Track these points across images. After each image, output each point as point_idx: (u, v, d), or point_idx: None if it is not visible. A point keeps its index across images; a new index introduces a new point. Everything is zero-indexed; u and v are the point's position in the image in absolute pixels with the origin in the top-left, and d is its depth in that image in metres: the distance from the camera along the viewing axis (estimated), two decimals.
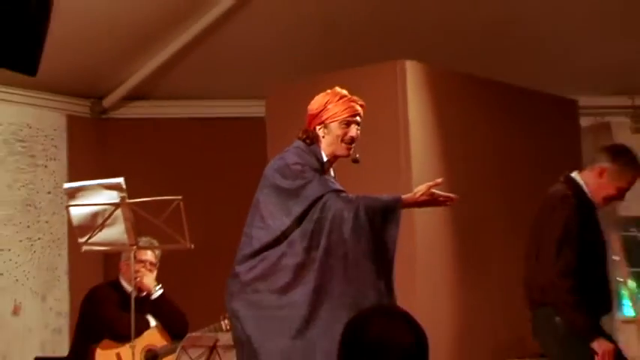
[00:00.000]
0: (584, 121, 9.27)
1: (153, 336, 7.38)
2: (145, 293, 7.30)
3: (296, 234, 5.42)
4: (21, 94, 8.63)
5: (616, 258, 8.97)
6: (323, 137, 5.55)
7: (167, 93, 9.13)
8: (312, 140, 5.57)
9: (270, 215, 5.49)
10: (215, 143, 9.03)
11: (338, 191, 5.47)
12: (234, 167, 8.80)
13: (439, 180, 5.48)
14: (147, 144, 9.02)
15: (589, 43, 8.64)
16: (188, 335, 7.49)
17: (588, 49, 8.71)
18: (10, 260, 8.51)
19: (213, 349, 7.49)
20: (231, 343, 7.57)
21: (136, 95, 9.15)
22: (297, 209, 5.40)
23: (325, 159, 5.58)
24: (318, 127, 5.56)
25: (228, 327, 7.42)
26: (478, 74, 8.10)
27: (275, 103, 8.17)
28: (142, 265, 7.26)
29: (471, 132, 7.90)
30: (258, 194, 5.61)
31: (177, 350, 7.40)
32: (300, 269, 5.37)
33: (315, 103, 5.62)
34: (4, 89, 8.47)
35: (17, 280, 8.54)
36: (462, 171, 7.37)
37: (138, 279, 7.21)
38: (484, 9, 8.21)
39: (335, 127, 5.53)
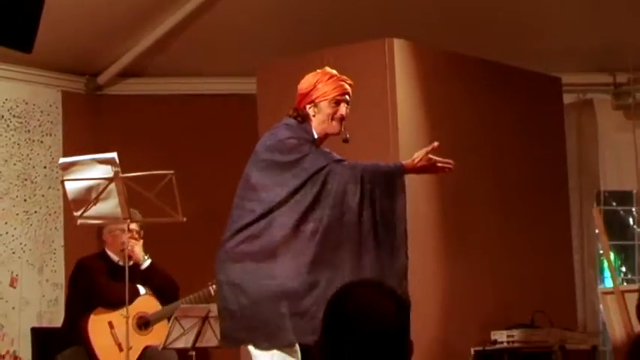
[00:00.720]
0: (568, 98, 9.18)
1: (144, 303, 7.41)
2: (132, 262, 7.31)
3: (290, 205, 5.43)
4: (17, 71, 8.59)
5: (597, 231, 8.99)
6: (313, 116, 5.59)
7: (161, 70, 9.12)
8: (303, 119, 5.61)
9: (264, 188, 5.52)
10: (207, 119, 9.02)
11: (339, 161, 5.51)
12: (225, 143, 8.80)
13: (435, 144, 5.56)
14: (141, 120, 9.00)
15: (572, 22, 8.61)
16: (181, 306, 7.55)
17: (572, 28, 8.69)
18: (7, 233, 8.53)
19: (205, 319, 7.54)
20: None
21: (130, 72, 9.12)
22: (295, 182, 5.44)
23: (316, 136, 5.60)
24: (308, 106, 5.59)
25: (215, 292, 7.54)
26: (464, 52, 8.09)
27: (265, 79, 8.16)
28: (130, 234, 7.28)
29: (457, 107, 7.90)
30: (248, 169, 5.63)
31: (170, 321, 7.46)
32: (292, 240, 5.40)
33: (305, 83, 5.65)
34: (1, 67, 8.47)
35: (14, 252, 8.56)
36: (448, 146, 7.39)
37: (130, 248, 7.23)
38: None
39: (325, 106, 5.56)
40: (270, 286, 5.36)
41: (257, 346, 5.41)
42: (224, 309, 5.57)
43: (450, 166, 5.60)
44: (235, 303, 5.46)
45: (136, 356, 7.13)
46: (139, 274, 7.46)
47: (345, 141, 5.65)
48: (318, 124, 5.59)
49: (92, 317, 7.30)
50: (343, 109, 5.58)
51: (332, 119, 5.57)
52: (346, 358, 2.77)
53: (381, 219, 5.47)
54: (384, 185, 5.48)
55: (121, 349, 7.15)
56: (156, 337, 7.45)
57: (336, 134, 5.63)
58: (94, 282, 7.37)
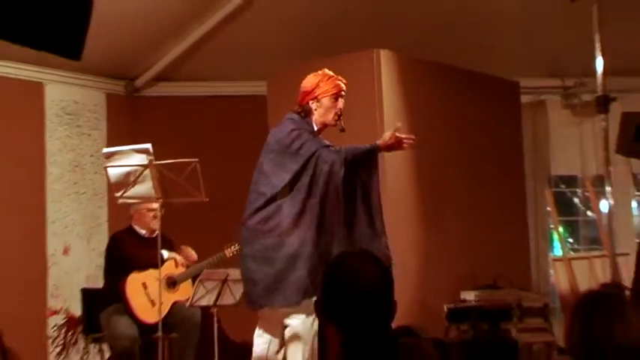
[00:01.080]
0: (524, 99, 9.09)
1: (170, 266, 7.43)
2: (155, 234, 7.34)
3: (296, 186, 5.48)
4: (69, 77, 8.54)
5: (548, 209, 9.01)
6: (315, 110, 5.61)
7: (187, 75, 9.04)
8: (306, 113, 5.63)
9: (274, 174, 5.54)
10: (225, 116, 8.95)
11: (328, 146, 5.54)
12: (240, 136, 8.71)
13: (399, 124, 5.62)
14: (171, 117, 8.96)
15: (529, 36, 8.55)
16: (204, 271, 7.55)
17: (528, 40, 8.62)
18: (61, 211, 8.51)
19: (224, 282, 7.54)
20: (239, 277, 7.66)
21: (162, 77, 9.08)
22: (295, 166, 5.48)
23: (316, 128, 5.63)
24: (311, 102, 5.61)
25: (231, 255, 7.55)
26: (438, 60, 8.07)
27: (274, 83, 8.13)
28: (154, 212, 7.34)
29: (433, 108, 7.82)
30: (262, 158, 5.65)
31: (195, 283, 7.47)
32: (300, 215, 5.43)
33: (308, 82, 5.67)
34: (56, 72, 8.41)
35: (67, 227, 8.54)
36: (427, 141, 7.34)
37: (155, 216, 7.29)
38: (440, 3, 8.18)
39: (326, 101, 5.60)
40: (288, 254, 5.39)
41: (283, 306, 5.45)
42: (248, 278, 5.59)
43: (412, 141, 5.59)
44: (258, 272, 5.47)
45: (166, 310, 7.13)
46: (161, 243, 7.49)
47: (342, 130, 5.68)
48: (319, 117, 5.62)
49: (129, 280, 7.30)
50: (341, 103, 5.64)
51: (331, 112, 5.61)
52: (340, 316, 2.78)
53: (361, 191, 5.50)
54: (362, 163, 5.50)
55: (153, 305, 7.16)
56: (182, 294, 7.42)
57: (333, 125, 5.66)
58: (124, 251, 7.39)
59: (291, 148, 5.52)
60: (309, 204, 5.45)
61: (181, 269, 7.40)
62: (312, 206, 5.45)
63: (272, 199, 5.49)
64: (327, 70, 5.73)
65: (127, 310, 7.30)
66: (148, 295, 7.28)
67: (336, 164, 5.42)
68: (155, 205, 7.10)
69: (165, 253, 7.31)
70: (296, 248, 5.40)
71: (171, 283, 7.35)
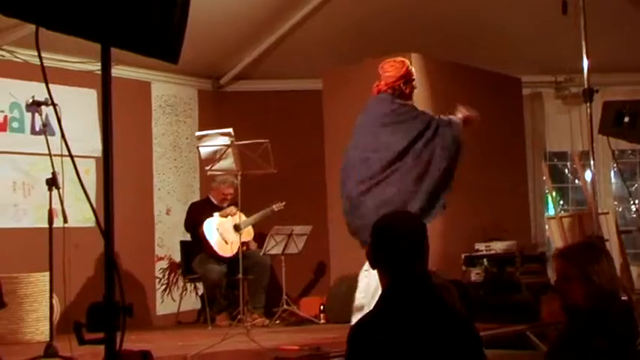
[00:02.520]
0: (525, 92, 9.07)
1: (234, 218, 7.50)
2: (226, 204, 7.50)
3: (412, 151, 5.28)
4: (169, 77, 8.56)
5: (544, 178, 8.95)
6: (404, 90, 5.44)
7: (260, 74, 8.96)
8: (401, 93, 5.44)
9: (387, 142, 5.29)
10: (289, 106, 8.91)
11: (436, 118, 5.43)
12: (302, 122, 8.79)
13: (462, 108, 5.52)
14: (247, 107, 8.95)
15: (528, 39, 8.44)
16: (274, 227, 7.59)
17: (528, 44, 8.51)
18: (164, 181, 8.60)
19: (289, 236, 7.58)
20: (303, 232, 7.71)
21: (241, 76, 9.05)
22: (413, 133, 5.31)
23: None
24: (402, 84, 5.44)
25: (277, 209, 7.64)
26: (456, 61, 8.00)
27: (328, 80, 8.10)
28: (227, 196, 7.49)
29: (452, 102, 7.73)
30: (374, 131, 5.35)
31: (268, 236, 7.53)
32: (419, 177, 5.25)
33: (401, 69, 5.46)
34: (160, 74, 8.45)
35: (169, 192, 8.64)
36: None
37: (229, 197, 7.51)
38: (457, 12, 8.06)
39: (410, 82, 5.46)
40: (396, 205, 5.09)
41: None
42: (368, 224, 5.45)
43: (475, 115, 5.53)
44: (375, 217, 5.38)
45: (236, 248, 7.20)
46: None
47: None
48: (406, 94, 5.47)
49: (205, 225, 7.47)
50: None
51: (412, 90, 5.51)
52: (386, 262, 2.75)
53: (442, 157, 5.34)
54: (450, 133, 5.38)
55: (226, 243, 7.29)
56: (245, 236, 7.48)
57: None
58: (201, 216, 7.52)
59: (406, 119, 5.37)
60: (423, 167, 5.28)
61: (237, 219, 7.41)
62: (426, 170, 5.28)
63: (391, 163, 5.25)
64: (400, 58, 5.59)
65: (208, 253, 7.38)
66: (221, 235, 7.39)
67: (439, 140, 5.33)
68: (230, 191, 7.24)
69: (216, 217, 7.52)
70: (404, 201, 5.17)
71: (236, 227, 7.40)
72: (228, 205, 7.60)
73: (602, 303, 3.31)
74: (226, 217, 7.51)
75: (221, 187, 7.66)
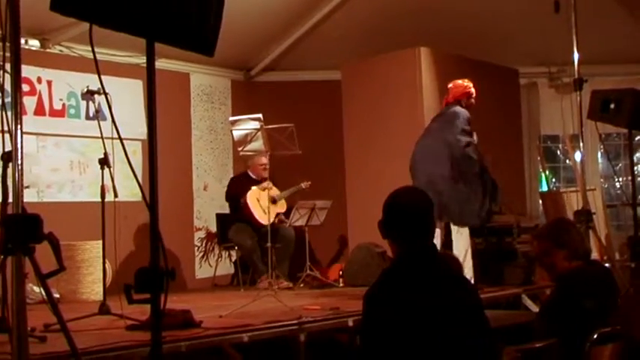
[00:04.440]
0: (522, 82, 9.07)
1: (272, 190, 7.50)
2: (261, 179, 7.48)
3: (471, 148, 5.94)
4: (205, 68, 8.58)
5: (538, 158, 8.92)
6: (466, 104, 5.99)
7: (286, 66, 9.02)
8: (466, 106, 5.98)
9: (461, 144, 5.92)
10: (312, 95, 8.89)
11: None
12: (322, 109, 8.77)
13: None
14: (275, 95, 8.96)
15: (525, 34, 8.39)
16: (299, 202, 7.60)
17: (524, 38, 8.46)
18: (201, 160, 8.62)
19: (312, 209, 7.59)
20: (324, 206, 7.71)
21: (269, 68, 9.04)
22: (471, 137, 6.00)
23: None
24: (466, 98, 5.98)
25: (305, 187, 7.70)
26: (461, 54, 7.92)
27: (346, 71, 8.09)
28: (264, 165, 7.44)
29: None
30: (454, 135, 5.92)
31: (293, 210, 7.53)
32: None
33: (465, 87, 6.05)
34: (197, 65, 8.47)
35: (205, 170, 8.66)
36: None
37: (266, 167, 7.38)
38: (462, 6, 8.01)
39: (470, 98, 6.04)
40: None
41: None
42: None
43: None
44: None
45: (272, 217, 7.19)
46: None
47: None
48: (466, 107, 5.99)
49: (248, 195, 7.45)
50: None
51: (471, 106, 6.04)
52: (395, 233, 2.72)
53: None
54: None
55: (265, 212, 7.31)
56: (280, 207, 7.59)
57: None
58: (237, 188, 7.53)
59: (468, 127, 6.01)
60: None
61: (272, 192, 7.42)
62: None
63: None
64: (467, 81, 6.06)
65: (248, 217, 7.40)
66: (261, 206, 7.40)
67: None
68: (265, 160, 7.19)
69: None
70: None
71: (272, 200, 7.42)
72: (264, 180, 7.61)
73: (582, 262, 3.46)
74: (264, 190, 7.53)
75: (256, 160, 7.63)
